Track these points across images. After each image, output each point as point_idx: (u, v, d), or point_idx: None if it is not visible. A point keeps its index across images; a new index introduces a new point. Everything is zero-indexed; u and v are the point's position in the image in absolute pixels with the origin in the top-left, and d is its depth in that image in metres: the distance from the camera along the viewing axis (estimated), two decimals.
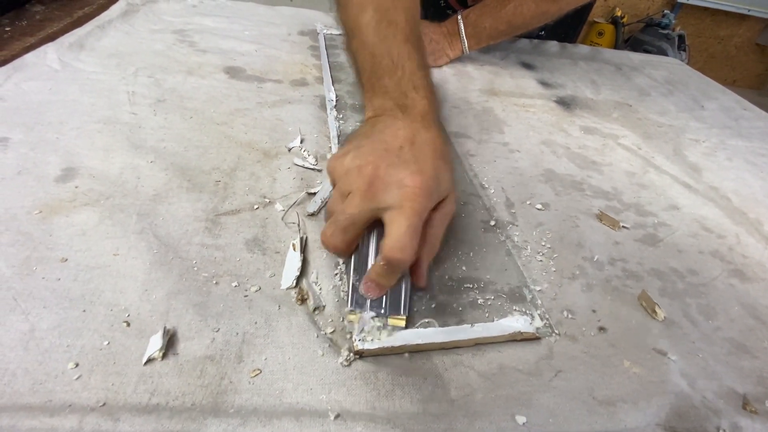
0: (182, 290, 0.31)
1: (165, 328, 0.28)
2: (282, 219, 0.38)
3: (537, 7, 0.70)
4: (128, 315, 0.29)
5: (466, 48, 0.72)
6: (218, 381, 0.26)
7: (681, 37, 2.57)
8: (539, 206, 0.45)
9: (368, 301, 0.31)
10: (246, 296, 0.31)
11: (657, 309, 0.36)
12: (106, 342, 0.27)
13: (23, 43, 0.59)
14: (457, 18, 0.72)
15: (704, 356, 0.33)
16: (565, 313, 0.35)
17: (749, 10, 2.74)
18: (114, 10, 0.71)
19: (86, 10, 0.71)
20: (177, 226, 0.36)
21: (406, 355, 0.30)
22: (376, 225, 0.32)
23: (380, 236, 0.31)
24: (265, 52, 0.66)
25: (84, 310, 0.28)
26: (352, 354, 0.29)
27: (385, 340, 0.29)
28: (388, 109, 0.35)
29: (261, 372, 0.27)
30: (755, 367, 0.33)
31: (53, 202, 0.35)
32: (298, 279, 0.33)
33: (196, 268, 0.33)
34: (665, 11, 2.69)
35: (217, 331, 0.29)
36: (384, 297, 0.31)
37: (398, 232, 0.29)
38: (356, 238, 0.31)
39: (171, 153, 0.43)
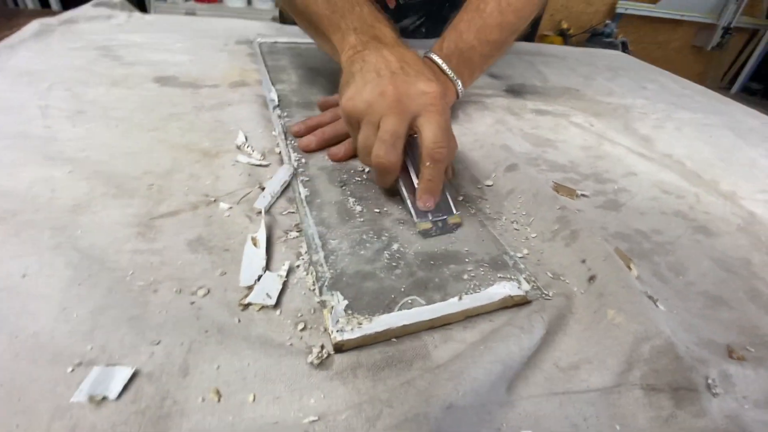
0: (112, 304, 0.26)
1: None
2: (227, 216, 0.34)
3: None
4: (39, 341, 0.23)
5: (461, 88, 0.51)
6: (158, 403, 0.21)
7: (624, 44, 2.74)
8: (505, 172, 0.43)
9: (429, 214, 0.34)
10: (192, 302, 0.26)
11: (632, 265, 0.34)
12: (9, 376, 0.21)
13: None
14: (430, 57, 0.50)
15: (679, 312, 0.31)
16: (550, 274, 0.32)
17: (683, 16, 2.97)
18: (25, 31, 0.65)
19: (14, 30, 0.65)
20: (103, 235, 0.30)
21: (394, 339, 0.26)
22: (408, 150, 0.35)
23: (414, 159, 0.35)
24: (200, 61, 0.62)
25: None
26: (324, 350, 0.24)
27: (367, 327, 0.25)
28: (366, 43, 0.38)
29: (213, 385, 0.22)
30: (734, 317, 0.32)
31: None
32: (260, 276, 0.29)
33: (128, 278, 0.27)
34: (607, 21, 2.86)
35: (156, 344, 0.24)
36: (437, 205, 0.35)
37: (434, 132, 0.32)
38: (402, 151, 0.34)
39: (93, 161, 0.38)
